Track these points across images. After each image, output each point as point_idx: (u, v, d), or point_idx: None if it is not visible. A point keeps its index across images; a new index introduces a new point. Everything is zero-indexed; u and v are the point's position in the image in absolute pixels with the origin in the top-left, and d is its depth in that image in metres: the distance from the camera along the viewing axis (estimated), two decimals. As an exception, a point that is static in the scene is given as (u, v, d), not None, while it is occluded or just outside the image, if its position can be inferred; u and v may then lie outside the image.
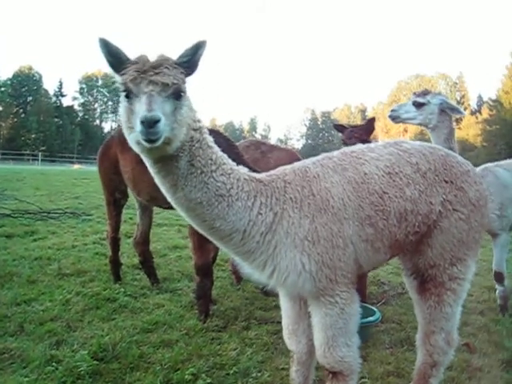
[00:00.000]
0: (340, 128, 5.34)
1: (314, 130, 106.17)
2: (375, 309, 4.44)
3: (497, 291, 5.19)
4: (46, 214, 10.47)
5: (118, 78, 2.21)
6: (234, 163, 2.49)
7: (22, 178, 22.94)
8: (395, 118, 4.89)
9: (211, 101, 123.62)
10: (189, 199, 2.30)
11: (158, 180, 2.33)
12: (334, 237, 2.44)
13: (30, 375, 3.32)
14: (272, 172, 2.64)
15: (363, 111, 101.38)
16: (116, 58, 2.22)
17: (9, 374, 3.34)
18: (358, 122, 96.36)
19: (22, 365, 3.48)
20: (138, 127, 2.00)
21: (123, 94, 2.17)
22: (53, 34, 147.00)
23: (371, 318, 4.17)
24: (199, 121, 2.33)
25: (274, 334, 4.24)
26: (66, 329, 4.13)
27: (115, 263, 5.67)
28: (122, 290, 5.24)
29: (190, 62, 2.22)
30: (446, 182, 2.77)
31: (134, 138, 2.12)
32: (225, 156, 2.44)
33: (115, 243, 5.68)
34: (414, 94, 4.90)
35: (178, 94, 2.14)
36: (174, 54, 2.25)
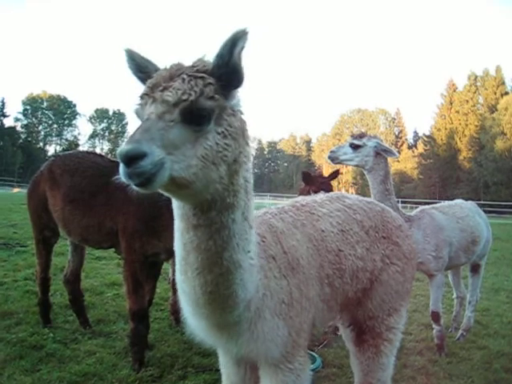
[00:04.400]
0: (309, 178, 5.59)
1: (261, 160, 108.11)
2: (315, 355, 4.36)
3: (434, 330, 5.25)
4: (-27, 246, 9.80)
5: None
6: None
7: (-46, 203, 21.74)
8: (334, 159, 5.03)
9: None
10: (234, 261, 1.87)
11: (201, 235, 1.80)
12: (304, 298, 2.27)
13: None
14: None
15: (308, 142, 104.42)
16: (146, 73, 1.76)
17: None
18: (303, 152, 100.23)
19: None
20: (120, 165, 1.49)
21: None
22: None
23: (311, 366, 4.07)
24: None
25: None
26: (-19, 385, 3.76)
27: (45, 305, 5.31)
28: (51, 335, 4.89)
29: (227, 65, 1.64)
30: (384, 237, 2.82)
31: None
32: None
33: (45, 284, 5.33)
34: (352, 136, 5.04)
35: (197, 116, 1.59)
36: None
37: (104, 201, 4.41)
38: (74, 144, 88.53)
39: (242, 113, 1.81)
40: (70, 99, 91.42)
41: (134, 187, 1.53)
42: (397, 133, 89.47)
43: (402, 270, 2.83)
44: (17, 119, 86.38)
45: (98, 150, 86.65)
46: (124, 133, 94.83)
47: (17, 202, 24.90)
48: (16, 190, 48.89)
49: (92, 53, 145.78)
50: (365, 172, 4.95)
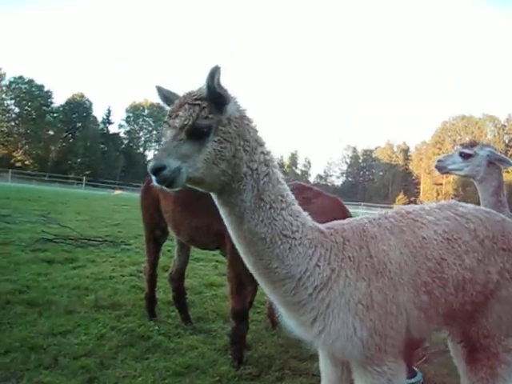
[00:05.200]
0: None
1: (355, 168, 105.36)
2: (415, 369, 4.23)
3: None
4: (86, 241, 10.67)
5: None
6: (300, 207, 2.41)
7: (66, 202, 23.76)
8: (441, 169, 4.81)
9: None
10: (253, 233, 2.24)
11: (224, 212, 2.32)
12: (389, 303, 2.31)
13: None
14: (329, 225, 2.54)
15: (406, 151, 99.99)
16: (170, 101, 2.30)
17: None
18: (400, 161, 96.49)
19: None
20: None
21: None
22: (105, 65, 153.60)
23: (412, 380, 3.97)
24: (266, 154, 2.29)
25: (308, 388, 4.08)
26: (99, 366, 4.11)
27: (151, 300, 5.65)
28: (157, 327, 5.21)
29: (213, 92, 2.13)
30: (504, 249, 2.63)
31: None
32: (293, 197, 2.38)
33: (152, 280, 5.68)
34: (462, 145, 4.81)
35: (197, 133, 2.11)
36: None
37: (212, 203, 4.59)
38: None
39: (241, 117, 2.25)
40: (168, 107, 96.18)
41: (165, 188, 2.12)
42: (507, 141, 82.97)
43: None
44: (120, 126, 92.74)
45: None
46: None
47: (119, 203, 26.76)
48: (117, 192, 52.25)
49: (188, 62, 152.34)
50: (475, 183, 4.70)
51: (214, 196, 2.32)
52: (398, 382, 2.37)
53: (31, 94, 76.35)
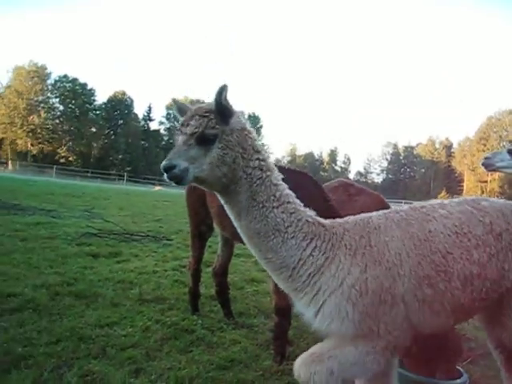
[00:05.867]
0: None
1: (396, 165, 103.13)
2: (461, 369, 4.13)
3: None
4: (129, 236, 10.92)
5: None
6: (302, 204, 2.61)
7: (108, 197, 24.42)
8: (488, 166, 4.72)
9: (292, 130, 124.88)
10: (249, 228, 2.54)
11: (227, 209, 2.63)
12: (384, 292, 2.38)
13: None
14: (338, 219, 2.73)
15: (448, 147, 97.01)
16: (184, 112, 2.62)
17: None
18: (443, 158, 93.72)
19: (103, 390, 3.57)
20: None
21: None
22: (147, 62, 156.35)
23: (458, 381, 3.87)
24: (262, 160, 2.54)
25: (351, 384, 4.06)
26: (145, 357, 4.21)
27: (194, 295, 5.73)
28: (200, 321, 5.29)
29: (220, 106, 2.42)
30: None
31: None
32: (292, 196, 2.60)
33: (196, 275, 5.75)
34: (510, 142, 4.69)
35: (204, 140, 2.40)
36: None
37: None
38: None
39: (242, 129, 2.54)
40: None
41: (175, 184, 2.44)
42: (558, 138, 79.61)
43: None
44: (161, 123, 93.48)
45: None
46: (259, 135, 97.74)
47: (159, 199, 27.27)
48: (157, 187, 53.21)
49: (231, 59, 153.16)
50: (525, 181, 4.59)
51: (218, 196, 2.64)
52: (383, 363, 2.46)
53: (75, 92, 78.30)
